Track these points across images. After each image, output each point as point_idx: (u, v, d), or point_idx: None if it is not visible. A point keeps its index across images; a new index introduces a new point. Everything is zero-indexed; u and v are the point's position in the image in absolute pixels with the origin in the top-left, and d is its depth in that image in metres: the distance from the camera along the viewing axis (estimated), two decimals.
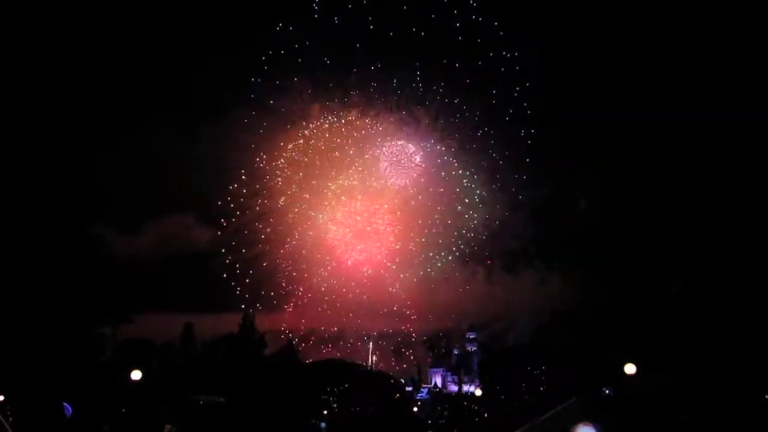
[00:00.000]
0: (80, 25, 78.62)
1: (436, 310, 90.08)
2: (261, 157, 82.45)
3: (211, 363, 68.20)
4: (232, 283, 79.14)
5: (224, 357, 71.31)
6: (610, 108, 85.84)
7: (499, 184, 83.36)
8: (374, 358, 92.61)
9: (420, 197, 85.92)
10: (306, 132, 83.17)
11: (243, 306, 77.63)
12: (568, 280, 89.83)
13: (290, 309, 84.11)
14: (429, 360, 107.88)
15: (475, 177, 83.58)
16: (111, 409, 42.40)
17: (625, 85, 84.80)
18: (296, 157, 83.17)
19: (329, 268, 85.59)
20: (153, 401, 46.61)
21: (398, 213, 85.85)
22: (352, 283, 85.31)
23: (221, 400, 47.91)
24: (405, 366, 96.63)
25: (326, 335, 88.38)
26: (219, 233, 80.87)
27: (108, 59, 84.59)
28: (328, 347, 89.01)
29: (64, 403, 30.45)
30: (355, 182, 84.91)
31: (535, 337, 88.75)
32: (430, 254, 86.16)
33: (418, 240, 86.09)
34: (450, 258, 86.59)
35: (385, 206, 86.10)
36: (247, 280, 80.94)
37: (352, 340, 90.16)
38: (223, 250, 79.99)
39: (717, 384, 36.23)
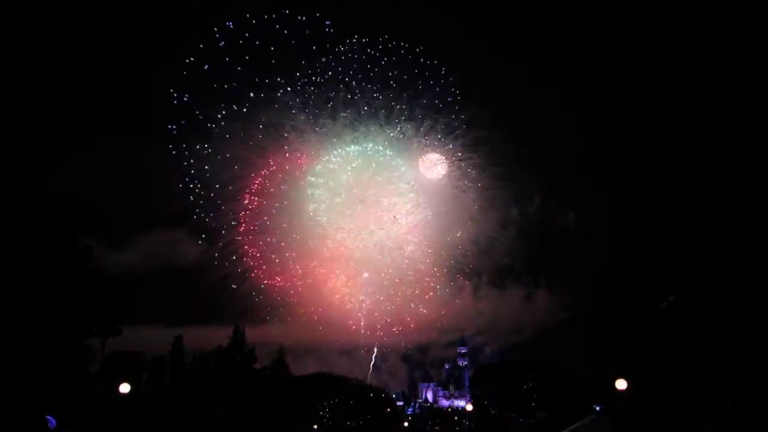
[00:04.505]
0: (72, 35, 78.95)
1: (422, 325, 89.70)
2: (249, 173, 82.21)
3: (202, 376, 67.61)
4: (222, 297, 78.58)
5: (215, 370, 70.76)
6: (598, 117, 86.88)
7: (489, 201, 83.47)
8: (369, 372, 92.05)
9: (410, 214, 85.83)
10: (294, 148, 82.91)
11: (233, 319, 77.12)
12: (555, 295, 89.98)
13: (280, 323, 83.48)
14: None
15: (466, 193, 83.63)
16: (96, 422, 41.84)
17: (612, 95, 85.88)
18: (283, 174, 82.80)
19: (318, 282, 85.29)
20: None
21: (385, 230, 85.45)
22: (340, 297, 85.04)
23: None
24: (392, 380, 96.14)
25: (317, 349, 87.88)
26: (209, 248, 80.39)
27: (96, 70, 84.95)
28: (319, 361, 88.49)
29: (48, 417, 30.02)
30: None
31: (520, 351, 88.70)
32: (419, 268, 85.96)
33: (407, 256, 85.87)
34: (437, 273, 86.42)
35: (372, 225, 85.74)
36: (237, 294, 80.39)
37: (340, 354, 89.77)
38: (214, 264, 79.47)
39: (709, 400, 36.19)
